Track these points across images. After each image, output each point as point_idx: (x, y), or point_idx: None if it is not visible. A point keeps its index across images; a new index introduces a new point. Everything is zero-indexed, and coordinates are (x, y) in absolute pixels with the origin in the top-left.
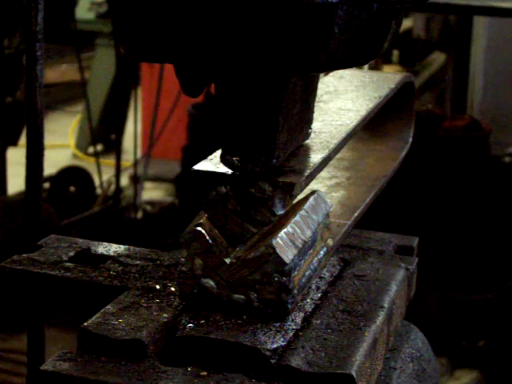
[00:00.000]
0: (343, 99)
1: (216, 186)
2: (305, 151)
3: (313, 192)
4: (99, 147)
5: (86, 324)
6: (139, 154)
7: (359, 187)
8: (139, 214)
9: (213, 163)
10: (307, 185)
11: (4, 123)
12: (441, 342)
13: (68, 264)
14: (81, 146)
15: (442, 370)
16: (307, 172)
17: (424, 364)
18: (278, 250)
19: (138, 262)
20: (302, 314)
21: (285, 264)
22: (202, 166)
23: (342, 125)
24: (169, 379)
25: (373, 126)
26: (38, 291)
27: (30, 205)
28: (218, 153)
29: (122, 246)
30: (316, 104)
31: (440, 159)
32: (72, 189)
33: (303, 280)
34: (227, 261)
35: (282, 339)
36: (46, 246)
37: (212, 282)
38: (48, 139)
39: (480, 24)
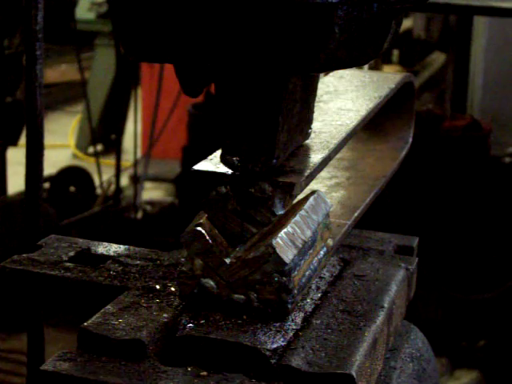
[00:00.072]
0: (343, 99)
1: (216, 185)
2: (305, 151)
3: (313, 192)
4: (99, 147)
5: (86, 324)
6: (139, 154)
7: (359, 187)
8: (139, 214)
9: (213, 163)
10: (307, 185)
11: (4, 123)
12: (441, 341)
13: (68, 264)
14: (81, 146)
15: (442, 369)
16: (307, 172)
17: (424, 364)
18: (278, 250)
19: (138, 261)
20: (302, 314)
21: (285, 264)
22: (202, 166)
23: (342, 125)
24: (169, 379)
25: (373, 126)
26: (37, 291)
27: (29, 205)
28: (218, 153)
29: (121, 246)
30: (316, 104)
31: (440, 159)
32: (72, 189)
33: (303, 280)
34: (227, 261)
35: (282, 339)
36: (46, 246)
37: (212, 282)
38: (48, 139)
39: (480, 24)
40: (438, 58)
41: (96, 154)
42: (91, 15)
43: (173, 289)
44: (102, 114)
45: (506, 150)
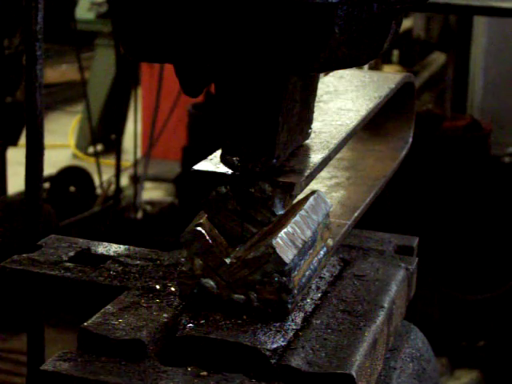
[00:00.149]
0: (343, 99)
1: (216, 185)
2: (305, 151)
3: (313, 192)
4: (99, 147)
5: (86, 324)
6: (139, 154)
7: (359, 187)
8: (139, 214)
9: (213, 163)
10: (307, 185)
11: (4, 123)
12: (441, 341)
13: (68, 264)
14: (81, 146)
15: (442, 369)
16: (307, 172)
17: (424, 364)
18: (278, 250)
19: (138, 261)
20: (302, 314)
21: (285, 264)
22: (202, 165)
23: (342, 125)
24: (169, 379)
25: (373, 126)
26: (37, 291)
27: (30, 205)
28: (218, 153)
29: (121, 246)
30: (316, 104)
31: (440, 159)
32: (72, 189)
33: (303, 280)
34: (227, 261)
35: (282, 339)
36: (46, 245)
37: (212, 282)
38: (48, 139)
39: (480, 24)
40: (437, 58)
41: (96, 154)
42: (91, 15)
43: (173, 289)
44: (102, 114)
45: (506, 150)
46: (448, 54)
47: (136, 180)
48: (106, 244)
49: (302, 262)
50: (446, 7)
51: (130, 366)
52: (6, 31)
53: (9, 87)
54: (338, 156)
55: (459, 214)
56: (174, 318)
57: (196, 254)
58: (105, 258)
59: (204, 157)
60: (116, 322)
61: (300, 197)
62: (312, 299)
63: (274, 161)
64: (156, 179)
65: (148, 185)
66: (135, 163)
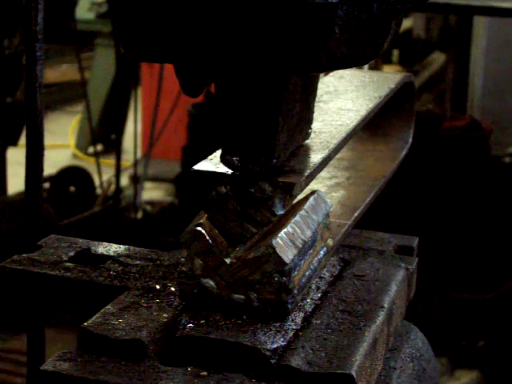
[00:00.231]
0: (343, 99)
1: (216, 185)
2: (305, 151)
3: (313, 192)
4: (99, 147)
5: (86, 324)
6: (139, 154)
7: (359, 187)
8: (139, 214)
9: (213, 163)
10: (307, 185)
11: (4, 123)
12: (441, 342)
13: (68, 264)
14: (81, 146)
15: (442, 369)
16: (307, 172)
17: (424, 364)
18: (277, 250)
19: (138, 261)
20: (301, 314)
21: (285, 264)
22: (202, 166)
23: (342, 125)
24: (169, 379)
25: (373, 126)
26: (38, 291)
27: (29, 205)
28: (218, 153)
29: (121, 246)
30: (316, 104)
31: (440, 159)
32: (72, 189)
33: (303, 280)
34: (227, 261)
35: (281, 339)
36: (46, 246)
37: (212, 282)
38: (48, 139)
39: (480, 24)
40: (438, 58)
41: (96, 154)
42: (91, 15)
43: (173, 289)
44: (102, 113)
45: (506, 150)
46: (448, 53)
47: (136, 180)
48: (106, 244)
49: (302, 261)
50: (446, 7)
51: (130, 366)
52: (6, 31)
53: (9, 87)
54: (338, 156)
55: (459, 214)
56: (174, 318)
57: (196, 254)
58: (105, 257)
59: (204, 157)
60: (116, 322)
61: (300, 197)
62: (312, 299)
63: (274, 161)
64: (156, 179)
65: (148, 185)
66: (135, 163)
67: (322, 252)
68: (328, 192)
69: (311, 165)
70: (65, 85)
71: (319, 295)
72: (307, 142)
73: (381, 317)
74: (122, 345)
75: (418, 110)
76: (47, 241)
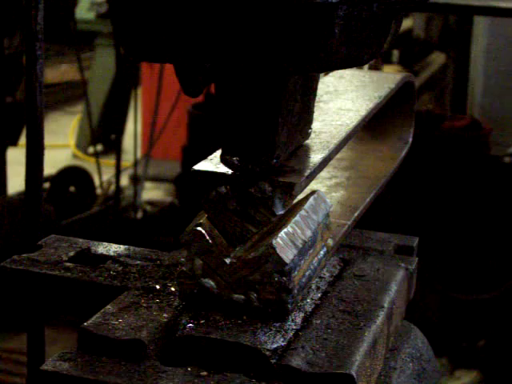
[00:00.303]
0: (343, 99)
1: (216, 185)
2: (305, 151)
3: (313, 192)
4: (99, 147)
5: (86, 324)
6: (139, 154)
7: (359, 187)
8: (139, 214)
9: (213, 163)
10: (307, 185)
11: (4, 123)
12: (441, 342)
13: (68, 264)
14: (81, 145)
15: (442, 370)
16: (307, 172)
17: (424, 364)
18: (278, 250)
19: (138, 262)
20: (301, 314)
21: (285, 264)
22: (202, 165)
23: (341, 125)
24: (169, 379)
25: (373, 125)
26: (38, 291)
27: (29, 205)
28: (218, 153)
29: (121, 246)
30: (316, 104)
31: (440, 159)
32: (72, 189)
33: (303, 280)
34: (227, 261)
35: (281, 339)
36: (46, 246)
37: (212, 282)
38: (48, 139)
39: (480, 24)
40: (437, 58)
41: (96, 154)
42: (91, 15)
43: (173, 289)
44: (102, 114)
45: (506, 150)
46: (448, 53)
47: (136, 180)
48: (106, 244)
49: (302, 261)
50: (445, 7)
51: (129, 366)
52: (6, 31)
53: (9, 87)
54: (338, 156)
55: (459, 213)
56: (174, 318)
57: (196, 254)
58: (105, 258)
59: (204, 157)
60: (116, 322)
61: (300, 197)
62: (312, 299)
63: (274, 161)
64: (156, 179)
65: (148, 185)
66: (135, 163)
67: (321, 252)
68: (328, 192)
69: (311, 165)
70: (65, 85)
71: (319, 295)
72: (307, 141)
73: (381, 317)
74: (122, 345)
75: (418, 109)
76: (47, 241)
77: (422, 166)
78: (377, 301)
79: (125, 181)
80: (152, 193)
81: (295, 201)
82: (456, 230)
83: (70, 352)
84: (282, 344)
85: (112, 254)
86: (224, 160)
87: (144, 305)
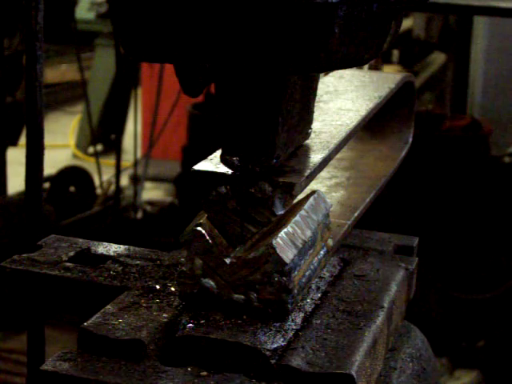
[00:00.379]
0: (343, 99)
1: (216, 185)
2: (305, 151)
3: (313, 192)
4: (99, 147)
5: (86, 324)
6: (139, 154)
7: (359, 187)
8: (139, 214)
9: (213, 163)
10: (307, 185)
11: (4, 123)
12: (441, 341)
13: (68, 264)
14: (81, 145)
15: (441, 370)
16: (307, 172)
17: (424, 364)
18: (278, 250)
19: (138, 262)
20: (301, 314)
21: (285, 264)
22: (201, 165)
23: (342, 125)
24: (169, 379)
25: (373, 125)
26: (38, 291)
27: (29, 205)
28: (218, 153)
29: (121, 246)
30: (316, 104)
31: (440, 159)
32: (72, 189)
33: (303, 280)
34: (227, 261)
35: (281, 339)
36: (46, 246)
37: (212, 282)
38: (48, 139)
39: (480, 24)
40: (437, 58)
41: (96, 154)
42: (91, 15)
43: (173, 289)
44: (102, 113)
45: (506, 150)
46: (448, 53)
47: (136, 180)
48: (106, 244)
49: (302, 261)
50: (446, 7)
51: (129, 366)
52: (6, 31)
53: (9, 87)
54: (338, 156)
55: (459, 214)
56: (174, 318)
57: (196, 254)
58: (105, 257)
59: (204, 157)
60: (116, 322)
61: (300, 197)
62: (312, 299)
63: (274, 161)
64: (156, 179)
65: (148, 185)
66: (135, 163)
67: (322, 252)
68: (328, 192)
69: (311, 165)
70: (65, 85)
71: (319, 295)
72: (307, 141)
73: (381, 317)
74: (122, 345)
75: (418, 110)
76: (47, 241)
77: (422, 166)
78: (377, 301)
79: (125, 181)
80: (152, 193)
81: (295, 201)
82: (456, 230)
83: (70, 352)
84: (282, 344)
85: (112, 254)
86: (224, 160)
87: (144, 305)
